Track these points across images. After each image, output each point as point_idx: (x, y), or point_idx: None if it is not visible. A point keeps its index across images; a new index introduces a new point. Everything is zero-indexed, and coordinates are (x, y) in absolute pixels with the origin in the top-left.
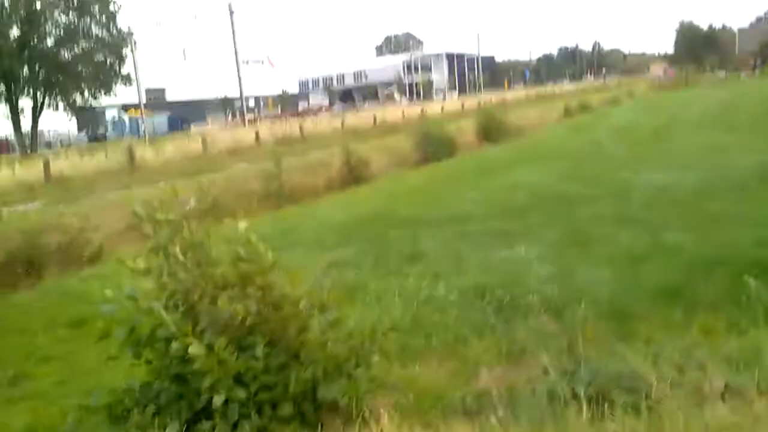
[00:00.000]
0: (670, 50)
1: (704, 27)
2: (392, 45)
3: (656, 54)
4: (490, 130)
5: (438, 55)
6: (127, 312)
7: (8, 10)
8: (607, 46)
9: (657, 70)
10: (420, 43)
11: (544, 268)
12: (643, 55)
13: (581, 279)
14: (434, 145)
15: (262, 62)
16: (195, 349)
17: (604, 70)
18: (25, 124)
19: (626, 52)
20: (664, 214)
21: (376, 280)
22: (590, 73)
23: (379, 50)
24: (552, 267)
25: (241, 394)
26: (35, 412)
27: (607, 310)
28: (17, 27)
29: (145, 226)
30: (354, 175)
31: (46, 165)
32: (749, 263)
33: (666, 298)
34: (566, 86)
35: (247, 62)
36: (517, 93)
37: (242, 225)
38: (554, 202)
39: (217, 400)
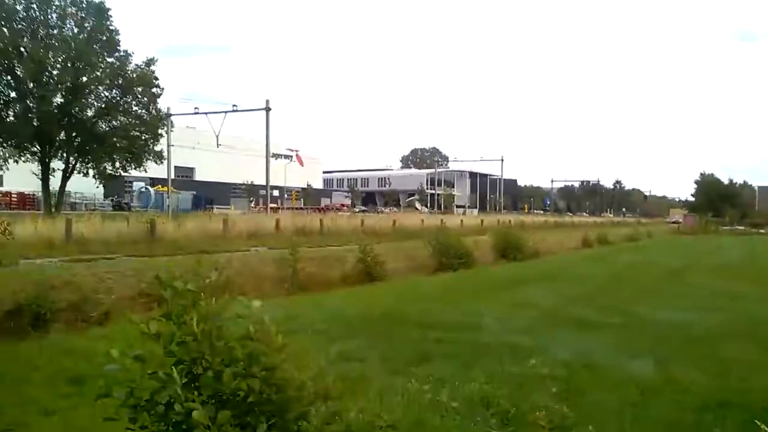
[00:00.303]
0: (690, 197)
1: (725, 180)
2: (418, 158)
3: (676, 199)
4: (508, 248)
5: (462, 173)
6: (129, 375)
7: (56, 79)
8: (628, 185)
9: (676, 215)
10: (446, 159)
11: (553, 386)
12: (664, 198)
13: (590, 401)
14: (451, 255)
15: (292, 159)
16: (199, 415)
17: (624, 208)
18: (54, 183)
19: (647, 193)
20: (678, 351)
21: (380, 376)
22: (609, 210)
23: (405, 161)
24: (561, 386)
25: None
26: None
27: None
28: (61, 95)
29: (165, 292)
30: (369, 272)
31: (68, 224)
32: (761, 409)
33: None
34: (585, 218)
35: (277, 157)
36: (536, 217)
37: (256, 303)
38: (567, 324)
39: None
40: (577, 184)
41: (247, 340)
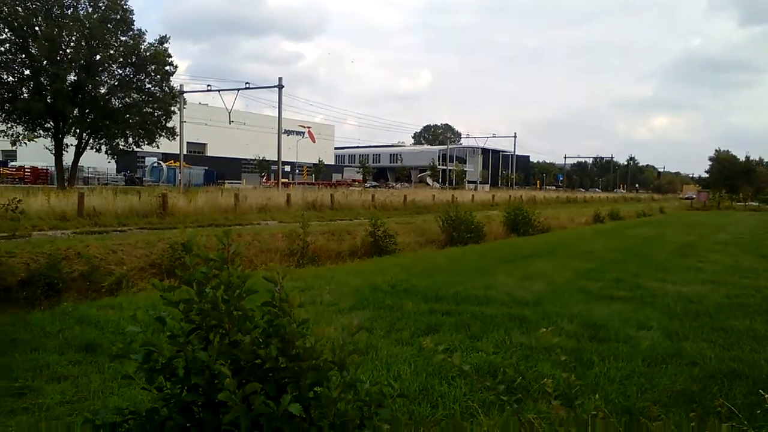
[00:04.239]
0: (704, 173)
1: (741, 156)
2: (431, 134)
3: (690, 175)
4: (518, 222)
5: (474, 149)
6: (145, 338)
7: (69, 58)
8: (642, 162)
9: (690, 191)
10: (458, 135)
11: (560, 356)
12: (677, 174)
13: (597, 372)
14: (461, 230)
15: (303, 135)
16: (229, 382)
17: (637, 184)
18: (67, 159)
19: (661, 169)
20: (686, 324)
21: (388, 346)
22: (623, 186)
23: (417, 138)
24: (568, 356)
25: None
26: (37, 427)
27: (621, 406)
28: (75, 73)
29: (187, 258)
30: (378, 246)
31: (81, 198)
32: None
33: (681, 402)
34: (598, 194)
35: (289, 133)
36: (548, 193)
37: (279, 272)
38: (575, 297)
39: None
40: (590, 161)
41: (269, 306)
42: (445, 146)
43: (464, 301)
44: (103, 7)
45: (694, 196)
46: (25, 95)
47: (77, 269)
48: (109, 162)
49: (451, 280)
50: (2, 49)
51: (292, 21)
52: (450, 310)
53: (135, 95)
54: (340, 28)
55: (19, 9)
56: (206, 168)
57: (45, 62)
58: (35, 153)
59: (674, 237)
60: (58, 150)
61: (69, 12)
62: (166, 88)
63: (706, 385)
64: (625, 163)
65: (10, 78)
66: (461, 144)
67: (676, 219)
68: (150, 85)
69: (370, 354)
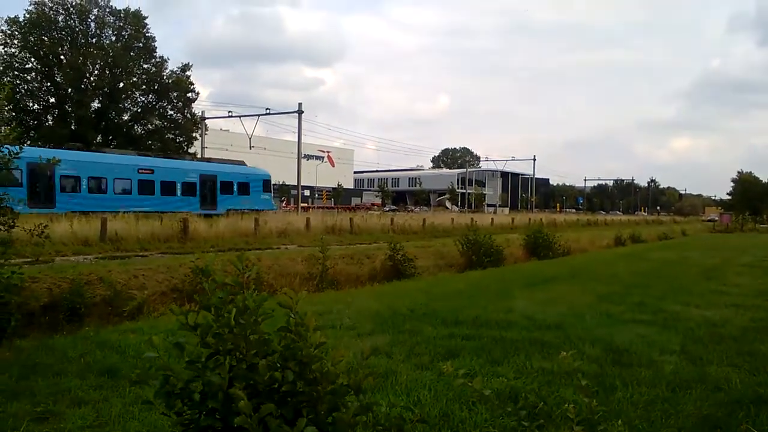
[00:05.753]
0: (726, 195)
1: (763, 178)
2: (449, 158)
3: (712, 198)
4: (538, 245)
5: (493, 172)
6: (163, 363)
7: (93, 85)
8: (663, 184)
9: (712, 213)
10: (477, 158)
11: (582, 381)
12: (699, 196)
13: (620, 397)
14: (481, 253)
15: (323, 159)
16: (244, 405)
17: (658, 206)
18: None
19: (682, 191)
20: (711, 348)
21: (408, 371)
22: (644, 209)
23: (436, 161)
24: (590, 381)
25: None
26: None
27: None
28: (98, 100)
29: (206, 284)
30: (398, 269)
31: (103, 223)
32: None
33: (706, 429)
34: (619, 217)
35: (309, 158)
36: (568, 216)
37: (299, 296)
38: (597, 321)
39: None
40: (611, 183)
41: (285, 331)
42: (464, 170)
43: (484, 325)
44: (126, 36)
45: (717, 218)
46: (50, 122)
47: (99, 294)
48: None
49: (471, 303)
50: (28, 77)
51: (311, 47)
52: (470, 334)
53: (157, 122)
54: (360, 53)
55: (45, 38)
56: None
57: (69, 90)
58: None
59: (697, 260)
60: None
61: (93, 41)
62: (188, 115)
63: (731, 410)
64: (646, 185)
65: (36, 106)
66: (480, 167)
67: (698, 241)
68: (172, 112)
69: (389, 379)
